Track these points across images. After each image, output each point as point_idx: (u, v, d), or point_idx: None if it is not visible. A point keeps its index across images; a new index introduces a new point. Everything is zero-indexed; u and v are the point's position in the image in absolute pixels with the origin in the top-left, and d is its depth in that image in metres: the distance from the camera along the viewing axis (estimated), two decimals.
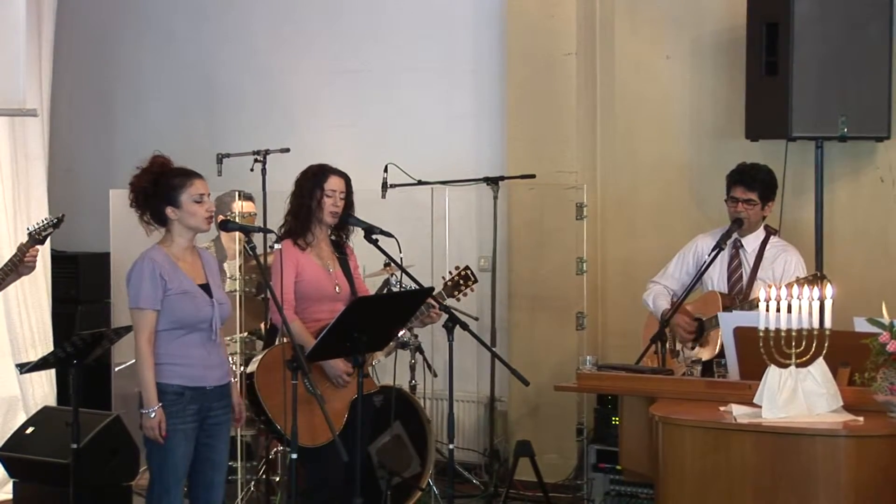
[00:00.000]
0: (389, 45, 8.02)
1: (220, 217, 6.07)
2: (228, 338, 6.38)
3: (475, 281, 6.06)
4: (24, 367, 6.03)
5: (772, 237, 6.23)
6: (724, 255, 6.17)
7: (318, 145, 7.63)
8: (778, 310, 4.69)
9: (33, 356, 7.15)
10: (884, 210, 6.84)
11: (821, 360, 4.75)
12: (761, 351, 4.72)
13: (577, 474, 7.17)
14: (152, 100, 8.76)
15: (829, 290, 4.78)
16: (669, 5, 7.33)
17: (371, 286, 6.35)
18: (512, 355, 7.21)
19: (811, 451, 4.64)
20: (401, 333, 6.57)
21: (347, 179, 5.77)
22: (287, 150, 6.79)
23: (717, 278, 6.20)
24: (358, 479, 5.25)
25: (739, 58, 6.81)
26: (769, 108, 6.58)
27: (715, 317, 5.84)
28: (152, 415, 4.94)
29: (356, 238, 5.87)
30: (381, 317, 5.39)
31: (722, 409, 4.92)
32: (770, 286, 4.77)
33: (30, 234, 5.95)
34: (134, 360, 5.05)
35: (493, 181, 7.15)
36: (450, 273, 6.06)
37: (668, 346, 6.04)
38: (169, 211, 5.04)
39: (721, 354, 5.47)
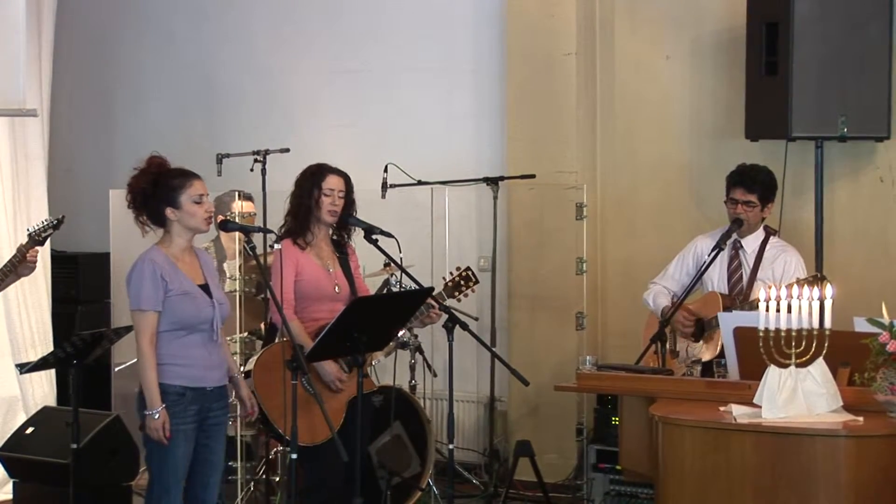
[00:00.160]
0: (389, 45, 8.02)
1: (220, 217, 6.07)
2: (228, 338, 6.38)
3: (476, 282, 6.05)
4: (24, 367, 6.03)
5: (771, 237, 6.23)
6: (724, 256, 6.17)
7: (318, 145, 7.62)
8: (778, 310, 4.69)
9: (33, 356, 7.15)
10: (884, 210, 6.84)
11: (821, 360, 4.75)
12: (761, 351, 4.72)
13: (576, 474, 7.17)
14: (152, 100, 8.75)
15: (828, 290, 4.78)
16: (669, 5, 7.33)
17: (371, 286, 6.35)
18: (512, 355, 7.21)
19: (811, 451, 4.64)
20: (400, 333, 6.57)
21: (347, 178, 5.76)
22: (287, 150, 6.79)
23: (717, 279, 6.20)
24: (358, 479, 5.25)
25: (739, 58, 6.81)
26: (769, 108, 6.58)
27: (715, 317, 5.84)
28: (156, 416, 4.93)
29: (356, 238, 5.87)
30: (381, 317, 5.38)
31: (722, 409, 4.92)
32: (770, 286, 4.77)
33: (29, 235, 5.95)
34: (134, 360, 5.05)
35: (492, 181, 7.15)
36: (450, 274, 6.05)
37: (668, 346, 6.04)
38: (168, 212, 5.04)
39: (721, 355, 5.47)
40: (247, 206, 6.84)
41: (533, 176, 7.21)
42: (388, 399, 6.34)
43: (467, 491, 7.26)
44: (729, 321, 5.35)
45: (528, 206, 7.45)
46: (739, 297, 6.09)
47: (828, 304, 4.75)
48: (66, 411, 6.27)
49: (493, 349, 6.47)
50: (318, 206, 5.68)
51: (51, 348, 7.14)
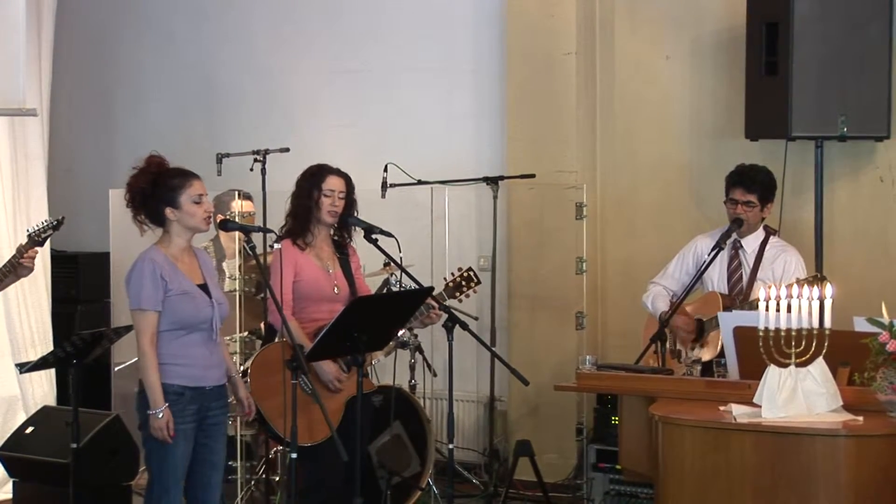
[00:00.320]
0: (389, 45, 8.02)
1: (220, 217, 6.07)
2: (228, 337, 6.38)
3: (478, 282, 6.05)
4: (24, 367, 6.03)
5: (771, 237, 6.23)
6: (724, 256, 6.17)
7: (317, 145, 7.62)
8: (778, 309, 4.69)
9: (33, 356, 7.15)
10: (884, 210, 6.84)
11: (820, 359, 4.75)
12: (761, 351, 4.72)
13: (576, 474, 7.17)
14: (152, 100, 8.75)
15: (828, 289, 4.78)
16: (669, 5, 7.33)
17: (371, 286, 6.34)
18: (512, 355, 7.20)
19: (811, 451, 4.64)
20: (400, 333, 6.57)
21: (348, 179, 5.76)
22: (287, 150, 6.79)
23: (716, 279, 6.20)
24: (358, 479, 5.25)
25: (739, 58, 6.81)
26: (769, 108, 6.58)
27: (715, 317, 5.84)
28: (160, 415, 4.93)
29: (356, 238, 5.87)
30: (381, 317, 5.38)
31: (722, 408, 4.91)
32: (770, 286, 4.77)
33: (29, 235, 5.95)
34: (134, 360, 5.05)
35: (492, 181, 7.15)
36: (452, 274, 6.05)
37: (668, 346, 6.04)
38: (168, 212, 5.04)
39: (721, 354, 5.47)
40: (246, 206, 6.84)
41: (533, 176, 7.21)
42: (388, 399, 6.34)
43: (467, 491, 7.26)
44: (729, 321, 5.35)
45: (527, 206, 7.45)
46: (739, 296, 6.09)
47: (828, 303, 4.75)
48: (65, 411, 6.27)
49: (493, 349, 6.47)
50: (317, 206, 5.68)
51: (51, 348, 7.14)
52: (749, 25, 6.69)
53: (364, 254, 6.03)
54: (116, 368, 7.21)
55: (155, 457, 5.02)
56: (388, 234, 5.75)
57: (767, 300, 4.70)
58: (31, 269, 6.02)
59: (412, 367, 7.14)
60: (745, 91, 6.73)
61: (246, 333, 6.64)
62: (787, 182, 6.58)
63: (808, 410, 4.73)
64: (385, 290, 6.89)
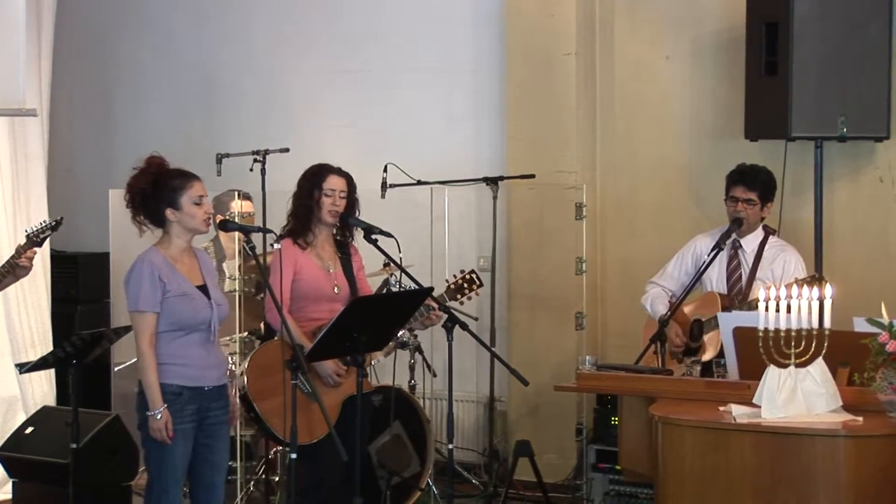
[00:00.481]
0: (389, 45, 8.02)
1: (220, 217, 6.07)
2: (227, 338, 6.38)
3: (480, 285, 6.05)
4: (24, 367, 6.03)
5: (770, 237, 6.23)
6: (723, 256, 6.17)
7: (317, 145, 7.62)
8: (777, 310, 4.69)
9: (33, 356, 7.15)
10: (883, 210, 6.84)
11: (820, 360, 4.75)
12: (760, 351, 4.72)
13: (576, 474, 7.16)
14: (152, 100, 8.75)
15: (828, 290, 4.78)
16: (669, 5, 7.33)
17: (371, 286, 6.34)
18: (511, 355, 7.20)
19: (811, 451, 4.64)
20: (400, 333, 6.57)
21: (349, 179, 5.76)
22: (287, 150, 6.79)
23: (716, 279, 6.20)
24: (357, 479, 5.25)
25: (739, 58, 6.81)
26: (769, 108, 6.58)
27: (714, 317, 5.84)
28: (158, 416, 4.94)
29: (356, 238, 5.87)
30: (381, 317, 5.38)
31: (721, 409, 4.91)
32: (769, 286, 4.77)
33: (28, 236, 5.95)
34: (133, 360, 5.05)
35: (492, 181, 7.15)
36: (453, 276, 6.05)
37: (667, 346, 6.04)
38: (168, 213, 5.04)
39: (721, 355, 5.47)
40: (246, 206, 6.84)
41: (533, 176, 7.21)
42: (388, 399, 6.34)
43: (467, 491, 7.26)
44: (728, 321, 5.35)
45: (527, 206, 7.45)
46: (738, 296, 6.09)
47: (827, 303, 4.75)
48: (65, 411, 6.27)
49: (493, 349, 6.46)
50: (318, 206, 5.68)
51: (50, 348, 7.14)
52: (749, 25, 6.69)
53: (364, 254, 6.03)
54: (116, 368, 7.21)
55: (154, 457, 5.02)
56: (388, 235, 5.75)
57: (767, 300, 4.70)
58: (29, 270, 6.02)
59: (412, 368, 7.14)
60: (744, 91, 6.73)
61: (246, 334, 6.64)
62: (787, 182, 6.58)
63: (808, 411, 4.73)
64: (385, 291, 6.89)
